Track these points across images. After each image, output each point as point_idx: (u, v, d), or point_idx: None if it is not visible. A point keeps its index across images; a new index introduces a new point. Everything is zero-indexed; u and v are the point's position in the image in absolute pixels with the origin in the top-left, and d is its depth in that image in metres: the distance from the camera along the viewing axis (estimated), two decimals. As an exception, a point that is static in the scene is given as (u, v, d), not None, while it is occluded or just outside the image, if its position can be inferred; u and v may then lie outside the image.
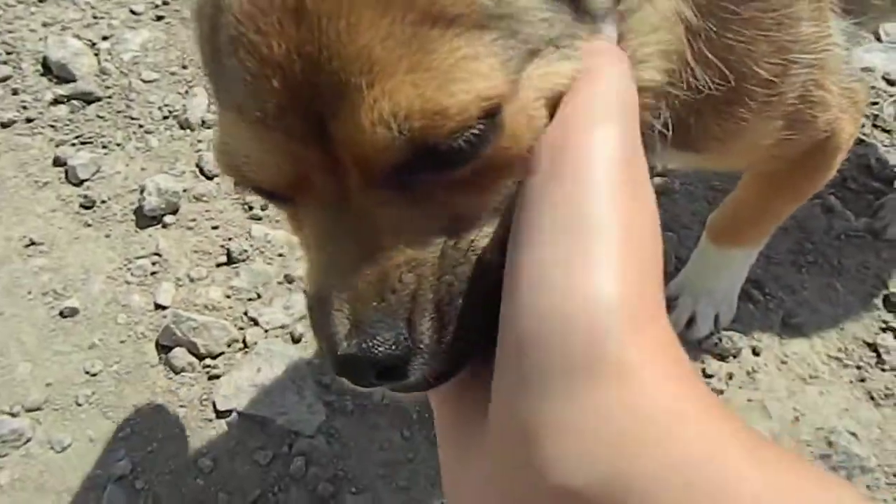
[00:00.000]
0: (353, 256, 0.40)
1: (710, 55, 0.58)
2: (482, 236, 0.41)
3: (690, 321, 1.21)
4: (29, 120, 1.52)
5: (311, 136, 0.38)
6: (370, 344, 0.37)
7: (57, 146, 1.49)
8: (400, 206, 0.39)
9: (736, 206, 1.10)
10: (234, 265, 1.31)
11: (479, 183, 0.40)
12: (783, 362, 1.20)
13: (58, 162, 1.46)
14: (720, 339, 1.20)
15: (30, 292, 1.28)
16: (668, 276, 1.28)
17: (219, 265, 1.32)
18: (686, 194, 1.41)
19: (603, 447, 0.29)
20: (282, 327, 1.23)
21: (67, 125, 1.52)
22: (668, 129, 0.55)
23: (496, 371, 0.34)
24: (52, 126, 1.52)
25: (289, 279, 1.29)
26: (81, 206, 1.40)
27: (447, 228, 0.40)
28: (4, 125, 1.51)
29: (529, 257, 0.34)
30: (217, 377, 1.17)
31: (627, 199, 0.34)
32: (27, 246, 1.34)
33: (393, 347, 0.37)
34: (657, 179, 1.43)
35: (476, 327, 0.40)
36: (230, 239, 1.35)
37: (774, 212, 1.04)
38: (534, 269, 0.33)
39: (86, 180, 1.43)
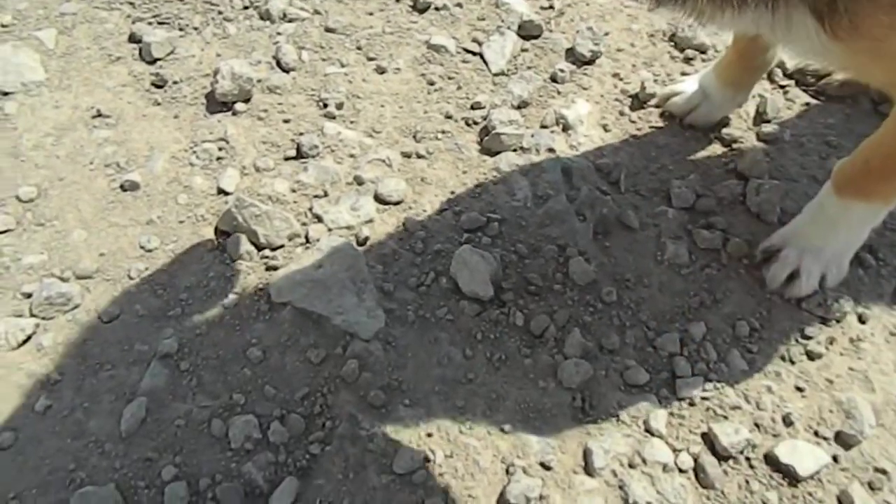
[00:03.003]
0: None
1: None
2: None
3: (791, 277, 1.09)
4: (108, -6, 1.47)
5: None
6: None
7: (133, 23, 1.43)
8: None
9: (870, 150, 0.98)
10: (303, 160, 1.24)
11: None
12: (892, 334, 1.07)
13: (133, 38, 1.41)
14: (824, 301, 1.08)
15: (92, 162, 1.23)
16: (771, 228, 1.16)
17: (287, 158, 1.24)
18: (796, 145, 1.28)
19: None
20: (347, 228, 1.15)
21: (146, 3, 1.46)
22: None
23: None
24: (129, 3, 1.47)
25: (358, 181, 1.21)
26: (153, 84, 1.34)
27: None
28: (83, -4, 1.46)
29: None
30: (275, 269, 1.10)
31: None
32: (94, 117, 1.29)
33: None
34: (766, 127, 1.30)
35: None
36: (301, 134, 1.27)
37: None
38: None
39: (159, 59, 1.37)
